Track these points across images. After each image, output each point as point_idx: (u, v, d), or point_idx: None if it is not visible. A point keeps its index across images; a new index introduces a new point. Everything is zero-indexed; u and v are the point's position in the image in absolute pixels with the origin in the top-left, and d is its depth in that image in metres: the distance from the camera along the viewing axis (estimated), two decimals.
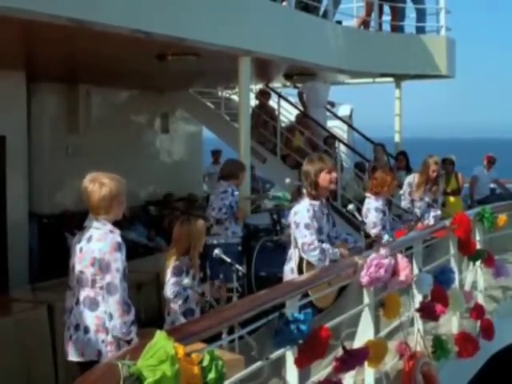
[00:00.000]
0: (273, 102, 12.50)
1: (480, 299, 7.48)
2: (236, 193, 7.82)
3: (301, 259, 5.35)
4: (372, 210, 6.95)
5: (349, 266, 4.89)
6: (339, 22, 11.24)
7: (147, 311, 6.99)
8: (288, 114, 12.94)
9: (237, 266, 5.81)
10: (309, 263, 5.30)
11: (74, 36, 6.68)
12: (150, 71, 9.76)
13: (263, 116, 11.83)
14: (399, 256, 5.24)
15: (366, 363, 4.90)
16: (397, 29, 12.01)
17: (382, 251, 4.93)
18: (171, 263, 5.19)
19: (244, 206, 8.07)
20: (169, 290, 5.13)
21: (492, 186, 13.11)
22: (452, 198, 10.95)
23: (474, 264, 7.58)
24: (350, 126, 14.15)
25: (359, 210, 6.89)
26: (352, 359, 4.54)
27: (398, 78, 12.52)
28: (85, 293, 4.10)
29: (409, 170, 11.06)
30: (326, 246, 5.34)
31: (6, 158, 8.74)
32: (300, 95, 12.69)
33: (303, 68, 10.39)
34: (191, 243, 5.22)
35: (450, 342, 6.31)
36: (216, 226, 7.70)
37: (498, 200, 10.71)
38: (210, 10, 7.60)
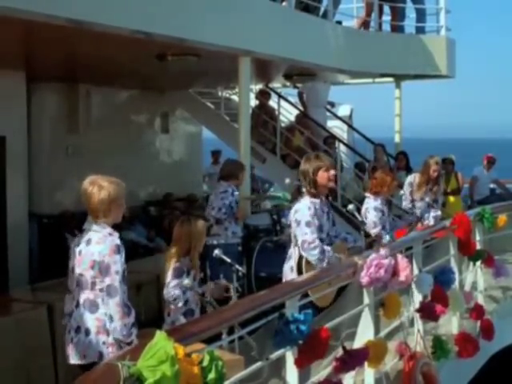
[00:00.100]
0: (273, 102, 12.50)
1: (480, 299, 7.48)
2: (236, 193, 7.82)
3: (300, 258, 5.34)
4: (371, 209, 6.95)
5: (349, 266, 4.89)
6: (339, 23, 11.24)
7: (147, 312, 6.99)
8: (288, 114, 12.94)
9: (237, 266, 5.81)
10: (308, 262, 5.29)
11: (74, 36, 6.68)
12: (149, 71, 9.77)
13: (263, 116, 11.83)
14: (399, 256, 5.24)
15: (365, 363, 4.90)
16: (397, 29, 12.01)
17: (382, 251, 4.93)
18: (171, 264, 5.19)
19: (244, 206, 8.07)
20: (169, 292, 5.13)
21: (492, 186, 13.11)
22: (452, 198, 10.96)
23: (474, 264, 7.58)
24: (350, 126, 14.14)
25: (359, 210, 6.90)
26: (352, 359, 4.54)
27: (398, 78, 12.52)
28: (85, 295, 4.10)
29: (409, 170, 11.07)
30: (327, 248, 5.33)
31: (5, 158, 8.74)
32: (300, 95, 12.69)
33: (303, 68, 10.39)
34: (191, 243, 5.22)
35: (449, 342, 6.31)
36: (216, 227, 7.70)
37: (498, 200, 10.72)
38: (210, 10, 7.60)
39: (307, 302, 4.58)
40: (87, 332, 4.09)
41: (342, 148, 12.83)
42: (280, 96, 12.50)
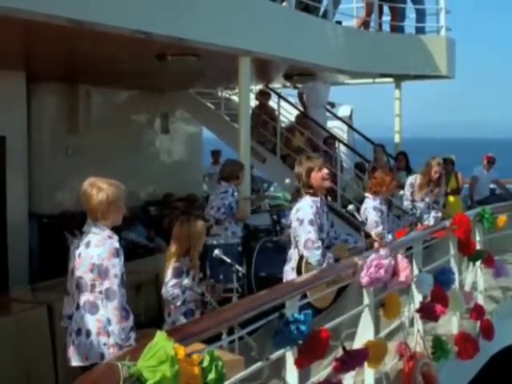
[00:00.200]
0: (273, 103, 12.50)
1: (480, 300, 7.48)
2: (236, 193, 7.83)
3: (300, 258, 5.33)
4: (370, 209, 6.96)
5: (349, 266, 4.89)
6: (339, 23, 11.24)
7: (147, 312, 6.99)
8: (288, 114, 12.94)
9: (237, 266, 5.81)
10: (308, 264, 5.28)
11: (73, 36, 6.68)
12: (150, 71, 9.77)
13: (263, 116, 11.83)
14: (399, 256, 5.24)
15: (365, 364, 4.90)
16: (397, 29, 12.01)
17: (382, 252, 4.93)
18: (171, 264, 5.19)
19: (244, 206, 8.07)
20: (167, 291, 5.13)
21: (492, 186, 13.11)
22: (452, 198, 10.96)
23: (474, 264, 7.58)
24: (350, 126, 14.14)
25: (359, 211, 6.90)
26: (352, 360, 4.54)
27: (398, 79, 12.51)
28: (84, 297, 4.10)
29: (409, 171, 11.08)
30: (328, 254, 5.33)
31: (5, 158, 8.74)
32: (300, 95, 12.69)
33: (303, 68, 10.39)
34: (191, 243, 5.22)
35: (449, 342, 6.31)
36: (216, 227, 7.71)
37: (499, 200, 10.72)
38: (210, 11, 7.60)
39: (306, 303, 4.57)
40: (88, 333, 4.08)
41: (342, 148, 12.83)
42: (280, 96, 12.50)
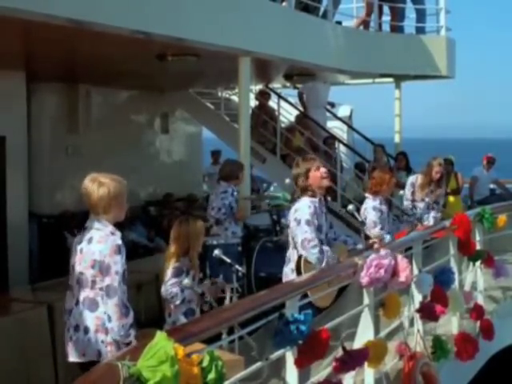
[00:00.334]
0: (273, 103, 12.51)
1: (480, 300, 7.48)
2: (236, 193, 7.83)
3: (299, 258, 5.33)
4: (370, 209, 6.95)
5: (349, 266, 4.89)
6: (339, 23, 11.24)
7: (147, 312, 7.00)
8: (288, 114, 12.94)
9: (237, 266, 5.81)
10: (307, 262, 5.28)
11: (73, 36, 6.68)
12: (150, 71, 9.77)
13: (263, 116, 11.83)
14: (399, 257, 5.24)
15: (365, 363, 4.90)
16: (397, 29, 12.01)
17: (382, 252, 4.93)
18: (171, 264, 5.20)
19: (244, 206, 8.07)
20: (167, 290, 5.13)
21: (492, 186, 13.12)
22: (452, 198, 10.97)
23: (474, 264, 7.58)
24: (350, 126, 14.15)
25: (359, 211, 6.90)
26: (352, 360, 4.54)
27: (398, 79, 12.51)
28: (84, 293, 4.10)
29: (409, 171, 11.09)
30: (325, 248, 5.33)
31: (5, 158, 8.74)
32: (300, 96, 12.69)
33: (303, 68, 10.39)
34: (190, 243, 5.23)
35: (449, 342, 6.31)
36: (216, 227, 7.71)
37: (499, 200, 10.72)
38: (210, 10, 7.60)
39: (307, 303, 4.58)
40: (86, 330, 4.08)
41: (342, 148, 12.84)
42: (280, 96, 12.50)
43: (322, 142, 11.86)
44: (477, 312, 7.05)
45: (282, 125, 12.24)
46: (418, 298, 6.09)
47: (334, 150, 11.81)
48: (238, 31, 8.03)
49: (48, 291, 6.84)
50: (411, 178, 8.87)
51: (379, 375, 5.25)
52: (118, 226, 4.21)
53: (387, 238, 6.75)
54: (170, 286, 5.12)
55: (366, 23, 11.83)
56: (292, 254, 5.45)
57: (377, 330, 5.29)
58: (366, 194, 7.21)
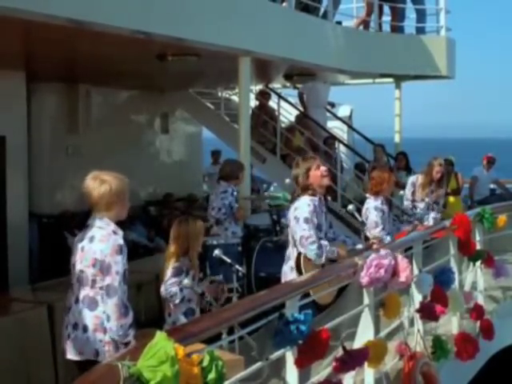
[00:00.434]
0: (273, 103, 12.50)
1: (480, 299, 7.48)
2: (235, 193, 7.83)
3: (298, 256, 5.33)
4: (371, 209, 6.94)
5: (349, 266, 4.89)
6: (339, 23, 11.24)
7: (147, 312, 6.99)
8: (288, 114, 12.94)
9: (237, 266, 5.82)
10: (307, 260, 5.28)
11: (73, 36, 6.68)
12: (150, 71, 9.77)
13: (263, 116, 11.83)
14: (399, 257, 5.24)
15: (365, 363, 4.90)
16: (397, 29, 12.01)
17: (382, 251, 4.93)
18: (171, 264, 5.20)
19: (244, 206, 8.07)
20: (166, 289, 5.14)
21: (492, 186, 13.12)
22: (452, 198, 10.97)
23: (474, 264, 7.58)
24: (350, 126, 14.14)
25: (359, 211, 6.89)
26: (352, 360, 4.54)
27: (398, 79, 12.52)
28: (84, 292, 4.09)
29: (409, 171, 11.09)
30: (324, 242, 5.34)
31: (5, 158, 8.73)
32: (300, 96, 12.69)
33: (303, 68, 10.39)
34: (189, 243, 5.23)
35: (449, 342, 6.31)
36: (216, 227, 7.71)
37: (499, 200, 10.72)
38: (210, 11, 7.60)
39: (308, 301, 4.58)
40: (85, 329, 4.08)
41: (342, 148, 12.83)
42: (280, 96, 12.50)
43: (322, 142, 11.86)
44: (477, 312, 7.05)
45: (282, 125, 12.24)
46: (418, 298, 6.09)
47: (334, 150, 11.81)
48: (237, 31, 8.03)
49: (48, 291, 6.84)
50: (412, 178, 8.87)
51: (379, 375, 5.26)
52: (120, 225, 4.21)
53: (387, 239, 6.74)
54: (170, 285, 5.13)
55: (366, 23, 11.83)
56: (292, 252, 5.45)
57: (377, 330, 5.29)
58: (367, 195, 7.19)
